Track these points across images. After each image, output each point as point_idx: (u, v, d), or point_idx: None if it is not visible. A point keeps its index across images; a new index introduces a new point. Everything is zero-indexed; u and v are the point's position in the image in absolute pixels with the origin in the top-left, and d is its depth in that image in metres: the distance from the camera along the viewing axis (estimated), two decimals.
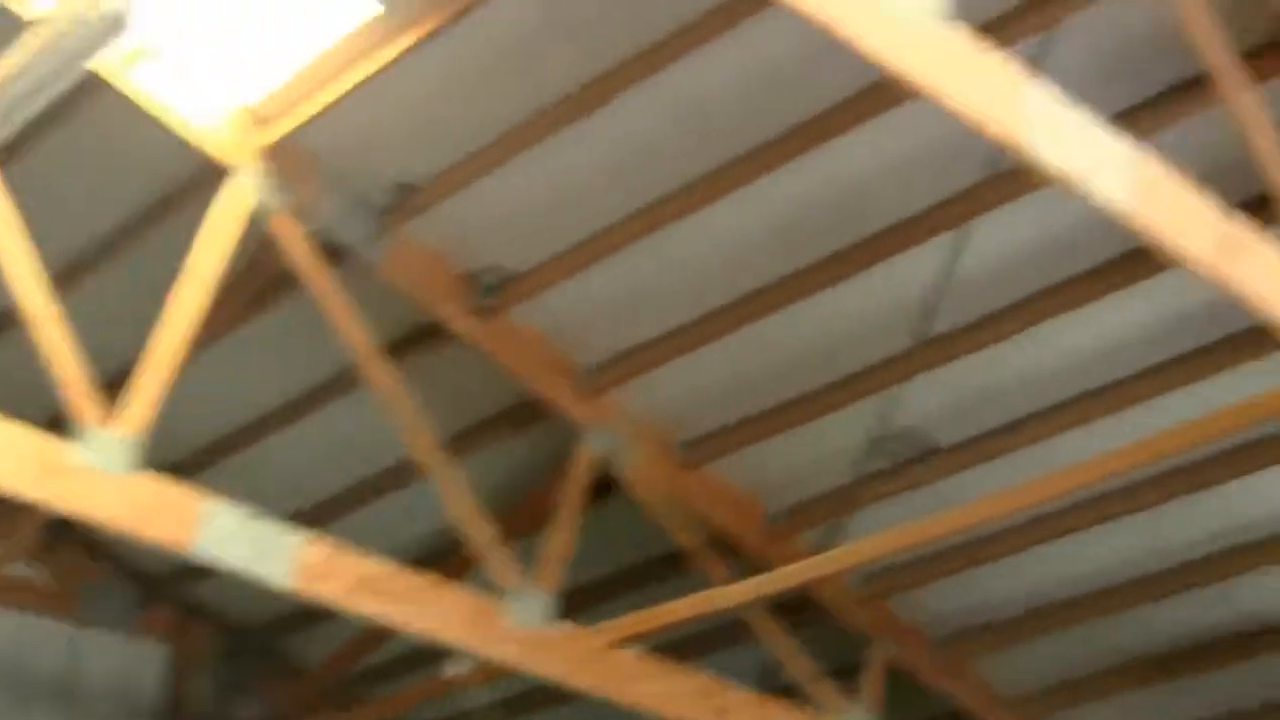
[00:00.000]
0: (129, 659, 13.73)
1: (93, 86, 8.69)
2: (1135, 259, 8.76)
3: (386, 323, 10.17)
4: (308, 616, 12.70)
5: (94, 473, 8.14)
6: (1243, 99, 7.05)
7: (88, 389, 8.18)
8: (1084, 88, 6.79)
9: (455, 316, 10.13)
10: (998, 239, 9.16)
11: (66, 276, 9.56)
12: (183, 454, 11.54)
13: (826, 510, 11.05)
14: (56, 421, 8.20)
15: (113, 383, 8.45)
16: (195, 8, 8.57)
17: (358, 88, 8.84)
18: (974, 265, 9.24)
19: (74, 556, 13.30)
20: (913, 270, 9.36)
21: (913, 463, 10.45)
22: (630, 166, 9.25)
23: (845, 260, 9.44)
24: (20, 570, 13.00)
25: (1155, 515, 10.49)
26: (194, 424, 11.48)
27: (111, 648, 13.66)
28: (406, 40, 8.52)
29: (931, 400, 10.17)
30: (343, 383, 10.78)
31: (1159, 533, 10.73)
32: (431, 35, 8.43)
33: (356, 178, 9.63)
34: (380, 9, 8.52)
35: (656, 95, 8.74)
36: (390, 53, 8.60)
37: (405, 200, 9.65)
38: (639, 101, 8.77)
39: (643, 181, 9.30)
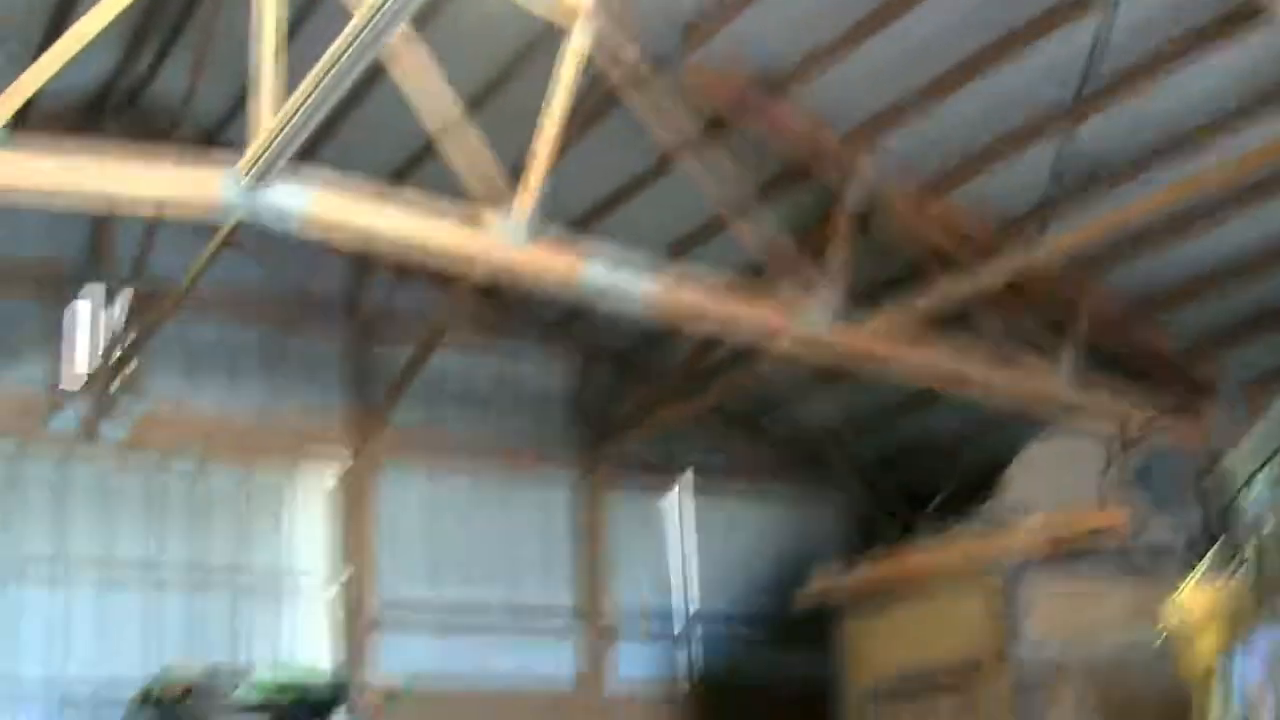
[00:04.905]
0: (545, 373, 14.96)
1: None
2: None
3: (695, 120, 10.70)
4: (660, 337, 13.36)
5: (504, 245, 9.02)
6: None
7: (497, 189, 8.99)
8: None
9: (743, 115, 10.67)
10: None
11: (473, 104, 10.06)
12: (575, 215, 12.01)
13: (1030, 222, 11.14)
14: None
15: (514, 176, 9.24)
16: None
17: None
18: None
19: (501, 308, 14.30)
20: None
21: (1088, 183, 10.72)
22: None
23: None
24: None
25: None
26: (578, 196, 12.06)
27: (534, 364, 14.89)
28: None
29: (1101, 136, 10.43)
30: (662, 164, 11.42)
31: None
32: None
33: (655, 21, 10.22)
34: None
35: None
36: None
37: (690, 35, 10.27)
38: None
39: None
